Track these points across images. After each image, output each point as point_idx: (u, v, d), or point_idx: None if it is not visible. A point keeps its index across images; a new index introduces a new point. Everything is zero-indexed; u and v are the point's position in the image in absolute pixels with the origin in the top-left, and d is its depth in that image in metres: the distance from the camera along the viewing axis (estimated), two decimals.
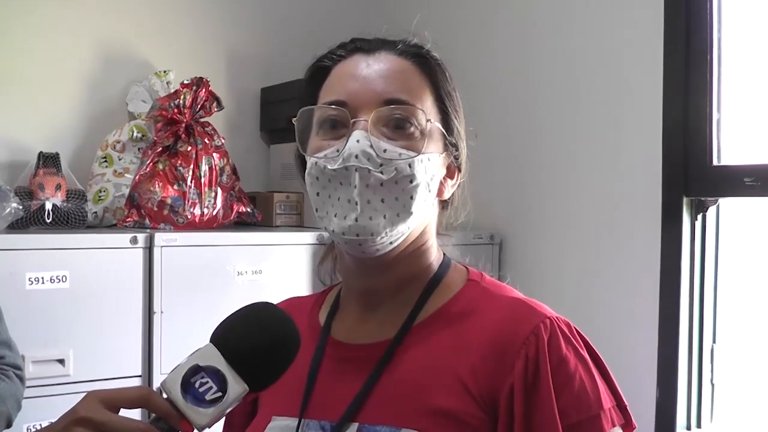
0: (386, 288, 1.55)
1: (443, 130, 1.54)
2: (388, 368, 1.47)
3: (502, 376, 1.38)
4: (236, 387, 1.23)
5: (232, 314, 1.32)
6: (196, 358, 1.24)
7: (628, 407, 1.43)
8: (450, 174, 1.59)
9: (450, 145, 1.56)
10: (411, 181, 1.45)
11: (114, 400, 1.21)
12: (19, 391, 2.48)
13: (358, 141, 1.43)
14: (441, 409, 1.38)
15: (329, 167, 1.45)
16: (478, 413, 1.37)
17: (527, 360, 1.37)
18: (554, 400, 1.34)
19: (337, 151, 1.44)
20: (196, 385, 1.21)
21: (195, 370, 1.22)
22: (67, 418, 1.20)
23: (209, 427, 1.23)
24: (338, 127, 1.48)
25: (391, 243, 1.47)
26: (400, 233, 1.47)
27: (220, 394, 1.22)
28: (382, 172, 1.43)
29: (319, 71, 1.58)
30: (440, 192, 1.57)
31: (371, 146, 1.43)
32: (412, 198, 1.45)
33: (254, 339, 1.29)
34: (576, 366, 1.39)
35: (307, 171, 1.51)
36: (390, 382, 1.45)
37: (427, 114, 1.49)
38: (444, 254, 1.63)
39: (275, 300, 1.45)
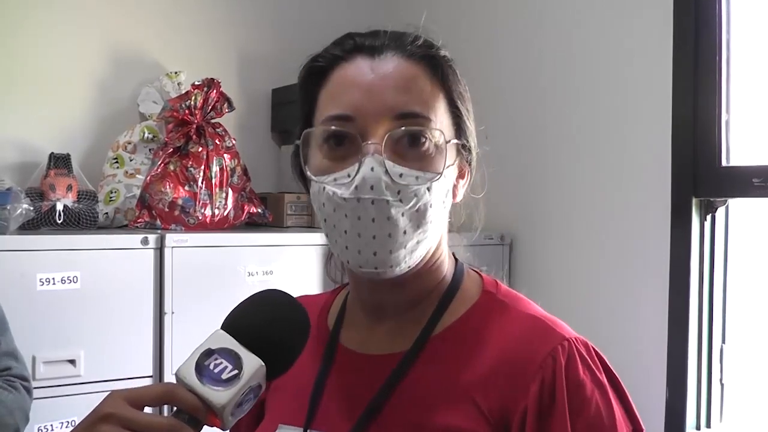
0: (397, 304, 1.48)
1: (457, 137, 1.44)
2: (400, 383, 1.40)
3: (515, 398, 1.31)
4: (251, 362, 1.21)
5: (239, 302, 1.32)
6: (207, 343, 1.23)
7: None
8: (461, 174, 1.49)
9: (463, 149, 1.46)
10: (431, 206, 1.36)
11: (138, 398, 1.18)
12: (27, 403, 2.44)
13: (372, 169, 1.31)
14: (450, 427, 1.33)
15: (338, 194, 1.34)
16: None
17: (543, 384, 1.30)
18: (569, 425, 1.28)
19: (349, 175, 1.34)
20: (211, 366, 1.20)
21: (208, 354, 1.21)
22: (92, 417, 1.16)
23: (231, 409, 1.20)
24: (344, 144, 1.37)
25: (409, 267, 1.39)
26: (419, 257, 1.40)
27: (236, 371, 1.19)
28: (401, 200, 1.32)
29: (315, 75, 1.46)
30: (453, 196, 1.48)
31: (387, 172, 1.32)
32: (431, 222, 1.38)
33: (260, 315, 1.29)
34: (593, 391, 1.31)
35: (312, 192, 1.42)
36: (400, 397, 1.39)
37: (443, 128, 1.38)
38: (456, 260, 1.55)
39: None
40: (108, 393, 1.19)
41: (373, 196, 1.31)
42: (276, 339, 1.26)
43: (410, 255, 1.37)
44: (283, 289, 1.36)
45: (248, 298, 1.32)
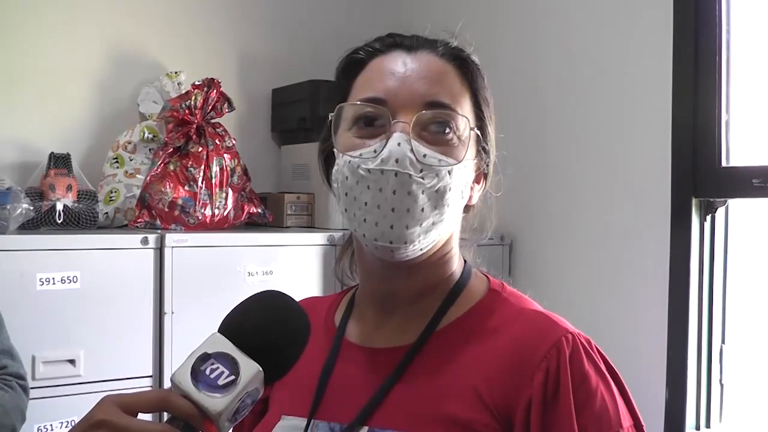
0: (406, 293, 1.51)
1: (480, 136, 1.51)
2: (405, 374, 1.43)
3: (520, 389, 1.34)
4: (249, 367, 1.18)
5: (237, 304, 1.30)
6: (204, 347, 1.20)
7: (644, 429, 1.39)
8: (477, 179, 1.55)
9: (483, 151, 1.53)
10: (450, 189, 1.42)
11: (132, 405, 1.16)
12: (23, 402, 2.45)
13: (399, 144, 1.38)
14: (453, 417, 1.35)
15: (363, 166, 1.40)
16: (491, 423, 1.34)
17: (548, 374, 1.33)
18: (574, 416, 1.31)
19: (375, 151, 1.40)
20: (207, 371, 1.17)
21: (204, 358, 1.18)
22: (84, 423, 1.14)
23: (228, 415, 1.17)
24: (374, 126, 1.44)
25: (421, 250, 1.44)
26: (432, 241, 1.45)
27: (233, 377, 1.17)
28: (423, 178, 1.39)
29: (353, 64, 1.54)
30: (468, 198, 1.54)
31: (412, 150, 1.38)
32: (449, 207, 1.43)
33: (258, 317, 1.26)
34: (597, 383, 1.35)
35: (336, 168, 1.47)
36: (404, 388, 1.42)
37: (466, 122, 1.45)
38: (465, 261, 1.60)
39: None
40: (101, 398, 1.17)
41: (397, 168, 1.38)
42: (274, 342, 1.25)
43: (425, 235, 1.42)
44: (282, 291, 1.35)
45: (246, 299, 1.31)
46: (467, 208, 1.58)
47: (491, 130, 1.55)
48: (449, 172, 1.41)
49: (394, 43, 1.52)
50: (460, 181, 1.45)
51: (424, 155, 1.39)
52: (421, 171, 1.39)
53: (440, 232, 1.45)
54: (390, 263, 1.45)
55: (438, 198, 1.41)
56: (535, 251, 3.66)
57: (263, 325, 1.26)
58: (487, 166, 1.56)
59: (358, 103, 1.46)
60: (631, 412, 1.38)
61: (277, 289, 1.35)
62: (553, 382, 1.33)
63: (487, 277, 1.60)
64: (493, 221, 1.66)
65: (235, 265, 3.20)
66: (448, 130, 1.43)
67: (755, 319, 3.05)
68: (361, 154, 1.41)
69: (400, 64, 1.47)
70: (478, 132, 1.50)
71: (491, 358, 1.39)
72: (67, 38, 3.62)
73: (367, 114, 1.45)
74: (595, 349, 1.40)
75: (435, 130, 1.43)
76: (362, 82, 1.50)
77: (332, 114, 1.50)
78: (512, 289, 1.56)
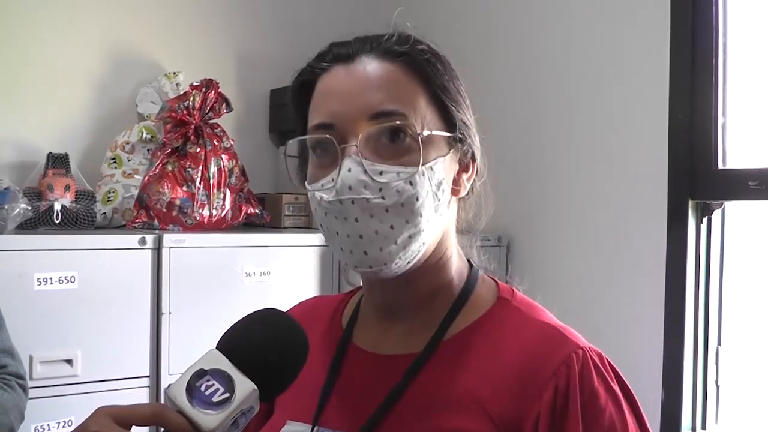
0: (407, 302, 1.49)
1: (444, 129, 1.43)
2: (411, 384, 1.40)
3: (528, 404, 1.31)
4: (244, 385, 1.19)
5: (236, 321, 1.30)
6: (200, 363, 1.21)
7: None
8: (464, 168, 1.49)
9: (455, 141, 1.45)
10: (417, 199, 1.36)
11: (126, 417, 1.16)
12: (23, 402, 2.46)
13: (349, 170, 1.34)
14: (456, 429, 1.33)
15: (324, 198, 1.37)
16: None
17: (557, 390, 1.30)
18: None
19: (332, 180, 1.37)
20: (202, 388, 1.18)
21: (200, 375, 1.19)
22: None
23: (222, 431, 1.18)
24: (331, 151, 1.39)
25: (408, 263, 1.39)
26: (416, 252, 1.39)
27: (227, 395, 1.17)
28: (383, 197, 1.34)
29: (303, 88, 1.50)
30: (456, 191, 1.48)
31: (365, 172, 1.34)
32: (421, 216, 1.37)
33: (256, 336, 1.26)
34: (606, 401, 1.32)
35: (309, 200, 1.44)
36: (410, 398, 1.39)
37: (422, 121, 1.39)
38: (471, 264, 1.56)
39: (286, 301, 1.42)
40: (95, 409, 1.18)
41: (353, 195, 1.34)
42: (271, 362, 1.25)
43: (404, 250, 1.37)
44: (280, 309, 1.36)
45: (245, 317, 1.31)
46: (461, 200, 1.53)
47: (462, 115, 1.47)
48: (411, 182, 1.36)
49: (333, 57, 1.46)
50: (429, 185, 1.39)
51: (380, 172, 1.35)
52: (380, 190, 1.35)
53: (421, 242, 1.40)
54: (383, 279, 1.42)
55: (406, 211, 1.36)
56: (532, 252, 3.66)
57: (261, 344, 1.26)
58: (466, 154, 1.49)
59: (304, 137, 1.45)
60: (642, 428, 1.36)
61: (276, 308, 1.35)
62: (562, 400, 1.30)
63: (495, 281, 1.55)
64: (489, 209, 1.59)
65: (232, 265, 3.20)
66: (402, 136, 1.37)
67: (751, 320, 3.05)
68: (322, 185, 1.39)
69: (342, 79, 1.42)
70: (440, 126, 1.43)
71: (499, 371, 1.36)
72: (66, 38, 3.62)
73: (318, 141, 1.41)
74: (606, 365, 1.37)
75: (387, 141, 1.37)
76: (312, 109, 1.45)
77: (287, 152, 1.51)
78: (522, 296, 1.52)
